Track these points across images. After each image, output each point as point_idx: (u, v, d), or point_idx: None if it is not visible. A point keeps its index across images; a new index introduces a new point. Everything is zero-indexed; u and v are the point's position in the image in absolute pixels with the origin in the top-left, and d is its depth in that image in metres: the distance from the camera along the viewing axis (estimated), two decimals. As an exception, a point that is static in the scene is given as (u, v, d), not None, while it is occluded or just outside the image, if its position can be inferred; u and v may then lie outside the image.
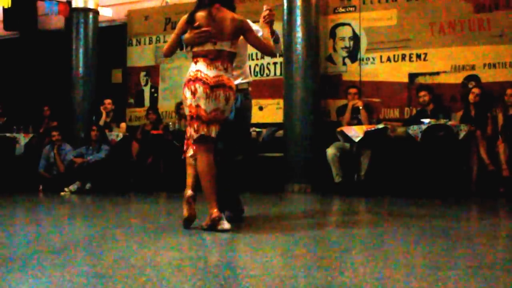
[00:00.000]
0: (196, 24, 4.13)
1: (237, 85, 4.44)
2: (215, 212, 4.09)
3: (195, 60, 4.22)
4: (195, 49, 4.22)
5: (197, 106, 4.12)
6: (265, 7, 4.40)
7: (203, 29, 4.11)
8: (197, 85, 4.09)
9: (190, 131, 4.20)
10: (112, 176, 8.90)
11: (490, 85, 8.07)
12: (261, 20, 4.43)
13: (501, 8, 8.19)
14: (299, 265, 3.01)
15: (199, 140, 4.18)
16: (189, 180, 4.37)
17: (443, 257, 3.20)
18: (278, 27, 8.80)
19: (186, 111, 4.24)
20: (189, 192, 4.32)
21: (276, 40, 4.60)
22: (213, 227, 4.09)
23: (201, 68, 4.14)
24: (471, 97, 7.76)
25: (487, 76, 8.17)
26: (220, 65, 4.16)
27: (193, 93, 4.11)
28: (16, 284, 2.57)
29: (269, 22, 4.39)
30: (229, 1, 4.33)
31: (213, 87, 4.09)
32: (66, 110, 10.19)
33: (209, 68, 4.13)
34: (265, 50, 4.39)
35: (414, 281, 2.55)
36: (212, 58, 4.16)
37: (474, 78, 8.22)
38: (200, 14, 4.16)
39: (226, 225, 4.12)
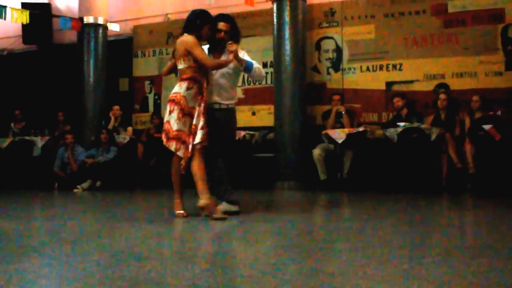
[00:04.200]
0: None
1: (228, 105, 4.78)
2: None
3: None
4: None
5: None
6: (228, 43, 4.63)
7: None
8: None
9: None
10: (120, 175, 8.88)
11: (458, 92, 8.10)
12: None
13: (467, 24, 8.22)
14: (289, 255, 3.00)
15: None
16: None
17: (417, 246, 3.21)
18: (268, 41, 8.88)
19: None
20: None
21: (247, 69, 4.68)
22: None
23: None
24: (439, 102, 7.80)
25: (455, 84, 8.20)
26: (178, 82, 4.59)
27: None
28: (34, 271, 2.56)
29: (232, 52, 4.54)
30: (191, 28, 4.58)
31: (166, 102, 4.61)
32: (79, 115, 10.15)
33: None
34: (205, 65, 4.54)
35: (392, 268, 2.55)
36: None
37: (444, 86, 8.25)
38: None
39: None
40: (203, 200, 4.37)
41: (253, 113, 9.34)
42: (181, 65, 4.56)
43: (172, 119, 4.47)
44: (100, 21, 10.21)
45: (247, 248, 3.26)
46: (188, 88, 4.49)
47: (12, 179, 9.43)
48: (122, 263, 2.71)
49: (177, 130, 4.47)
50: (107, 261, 2.81)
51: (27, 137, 9.77)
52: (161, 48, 10.52)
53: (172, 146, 4.48)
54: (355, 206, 5.99)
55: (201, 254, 3.03)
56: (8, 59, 11.96)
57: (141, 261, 2.78)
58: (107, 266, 2.65)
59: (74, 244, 3.37)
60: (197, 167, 4.47)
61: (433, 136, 7.32)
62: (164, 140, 4.51)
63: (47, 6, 11.27)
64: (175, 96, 4.50)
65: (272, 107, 8.91)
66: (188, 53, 4.50)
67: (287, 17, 8.52)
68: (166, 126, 4.52)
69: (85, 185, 8.44)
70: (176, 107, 4.47)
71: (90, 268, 2.62)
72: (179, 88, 4.52)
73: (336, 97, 8.38)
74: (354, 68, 8.89)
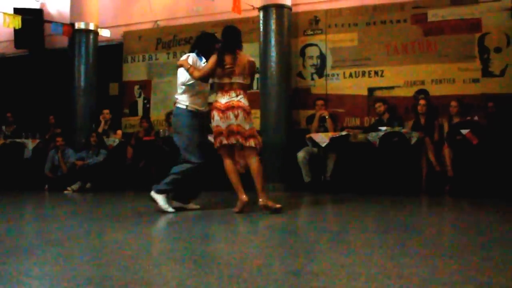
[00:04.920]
0: (225, 63, 4.84)
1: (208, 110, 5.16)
2: (244, 197, 4.98)
3: (216, 91, 4.95)
4: (216, 81, 4.92)
5: (217, 126, 4.88)
6: None
7: (227, 66, 4.83)
8: (214, 113, 4.88)
9: (216, 143, 4.97)
10: (109, 177, 8.82)
11: (437, 98, 8.16)
12: None
13: (446, 32, 8.30)
14: (273, 255, 2.99)
15: (222, 148, 4.95)
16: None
17: (398, 246, 3.21)
18: (255, 47, 8.89)
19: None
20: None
21: None
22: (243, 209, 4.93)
23: (218, 99, 4.90)
24: (419, 107, 7.85)
25: (434, 90, 8.27)
26: (233, 92, 4.86)
27: (212, 118, 4.90)
28: (25, 272, 2.52)
29: None
30: (240, 46, 5.00)
31: (224, 110, 4.81)
32: (69, 118, 10.08)
33: (223, 97, 4.86)
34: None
35: (373, 267, 2.55)
36: (227, 89, 4.86)
37: (424, 92, 8.31)
38: (227, 56, 4.85)
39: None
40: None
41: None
42: (246, 81, 4.94)
43: (252, 124, 4.96)
44: (91, 27, 10.16)
45: (234, 248, 3.24)
46: (248, 100, 4.96)
47: (3, 181, 9.34)
48: (110, 264, 2.68)
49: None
50: (96, 261, 2.78)
51: (18, 140, 9.72)
52: (151, 53, 10.49)
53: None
54: (338, 208, 5.99)
55: (189, 255, 3.00)
56: (0, 63, 11.86)
57: (130, 261, 2.75)
58: (96, 267, 2.62)
59: (63, 245, 3.33)
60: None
61: (413, 140, 7.36)
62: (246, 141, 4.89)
63: (39, 11, 11.21)
64: (247, 106, 4.89)
65: (258, 111, 8.90)
66: (249, 72, 4.95)
67: (273, 25, 8.54)
68: (250, 131, 4.89)
69: (75, 186, 8.39)
70: (247, 115, 4.89)
71: (79, 269, 2.59)
72: (244, 99, 4.90)
73: (320, 102, 8.41)
74: (338, 74, 8.92)
